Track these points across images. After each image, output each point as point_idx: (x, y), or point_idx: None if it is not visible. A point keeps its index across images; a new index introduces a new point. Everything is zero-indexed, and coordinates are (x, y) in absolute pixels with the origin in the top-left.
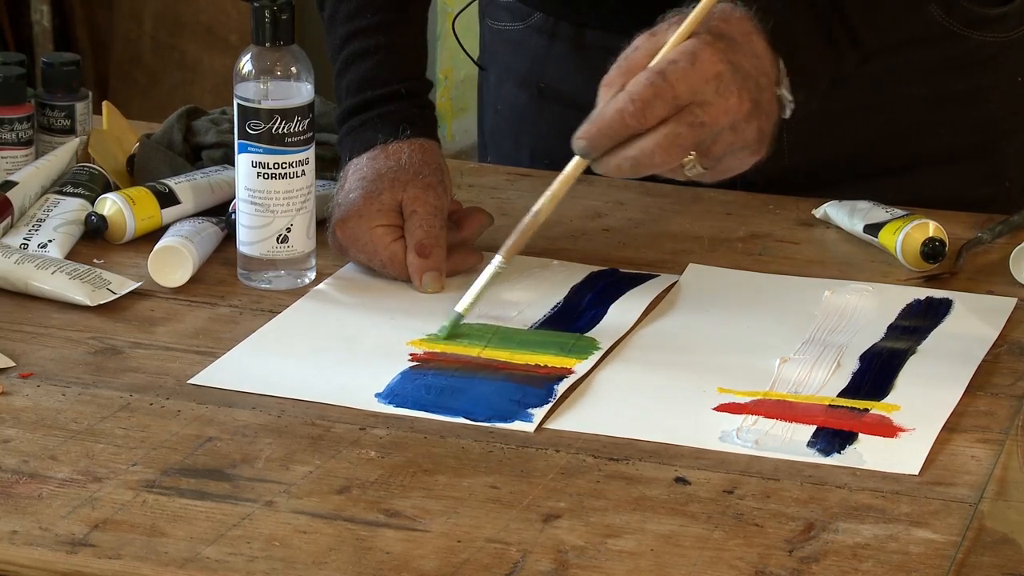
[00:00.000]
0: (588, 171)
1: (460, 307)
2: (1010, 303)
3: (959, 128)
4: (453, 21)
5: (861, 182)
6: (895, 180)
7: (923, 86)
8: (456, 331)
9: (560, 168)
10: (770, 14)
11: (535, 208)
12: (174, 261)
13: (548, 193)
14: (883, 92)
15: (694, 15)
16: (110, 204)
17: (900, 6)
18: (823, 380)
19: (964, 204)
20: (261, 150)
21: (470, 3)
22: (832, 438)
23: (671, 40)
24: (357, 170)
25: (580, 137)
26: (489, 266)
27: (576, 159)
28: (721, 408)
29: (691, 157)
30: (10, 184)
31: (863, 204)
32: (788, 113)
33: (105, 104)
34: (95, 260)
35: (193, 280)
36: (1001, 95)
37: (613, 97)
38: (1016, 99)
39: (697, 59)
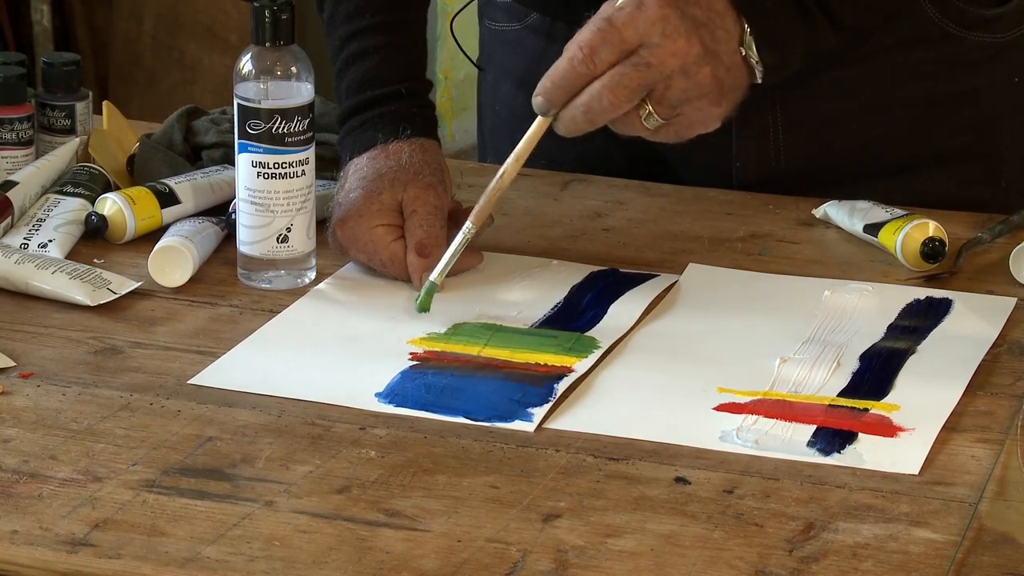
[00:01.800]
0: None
1: (433, 276)
2: (1010, 303)
3: (955, 129)
4: (451, 21)
5: (860, 182)
6: (893, 180)
7: (919, 87)
8: (426, 305)
9: (559, 169)
10: None
11: (500, 171)
12: (174, 261)
13: (512, 155)
14: (879, 93)
15: None
16: (110, 204)
17: None
18: (823, 380)
19: (961, 205)
20: (261, 150)
21: (468, 3)
22: (832, 438)
23: None
24: (357, 170)
25: (537, 94)
26: (460, 232)
27: (538, 119)
28: (721, 408)
29: (648, 107)
30: (10, 184)
31: (863, 204)
32: (760, 77)
33: (105, 104)
34: (95, 260)
35: (193, 280)
36: (997, 96)
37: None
38: (1012, 100)
39: (643, 4)
